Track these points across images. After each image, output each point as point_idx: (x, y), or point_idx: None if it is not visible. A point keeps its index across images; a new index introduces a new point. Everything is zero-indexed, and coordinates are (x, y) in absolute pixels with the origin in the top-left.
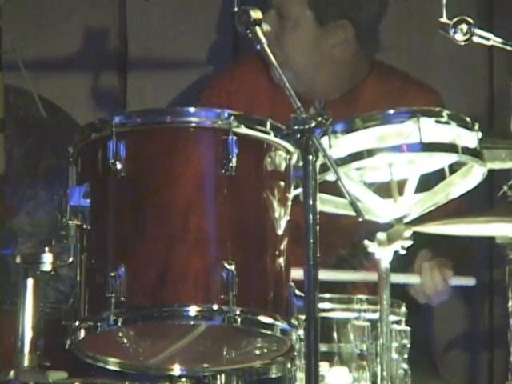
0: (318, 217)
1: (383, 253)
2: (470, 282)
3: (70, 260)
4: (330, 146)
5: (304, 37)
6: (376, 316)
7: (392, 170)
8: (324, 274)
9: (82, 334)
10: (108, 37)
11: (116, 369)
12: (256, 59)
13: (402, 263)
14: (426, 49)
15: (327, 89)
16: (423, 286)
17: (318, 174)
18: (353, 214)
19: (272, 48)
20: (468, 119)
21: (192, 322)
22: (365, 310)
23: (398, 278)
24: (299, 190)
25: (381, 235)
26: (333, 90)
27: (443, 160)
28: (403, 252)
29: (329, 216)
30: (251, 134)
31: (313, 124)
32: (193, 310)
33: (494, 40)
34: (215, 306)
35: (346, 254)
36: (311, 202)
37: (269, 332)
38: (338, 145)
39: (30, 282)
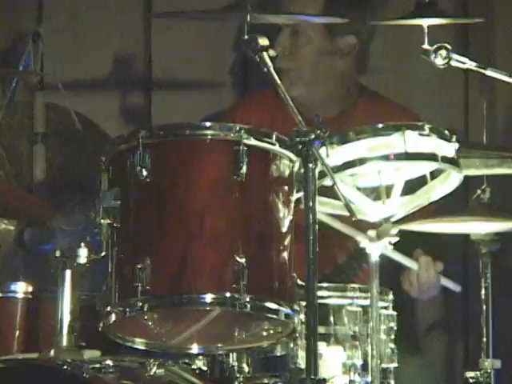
0: (317, 217)
1: (373, 247)
2: (456, 287)
3: (103, 254)
4: (327, 156)
5: (316, 49)
6: (367, 302)
7: (381, 176)
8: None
9: (113, 317)
10: (135, 61)
11: (142, 348)
12: None
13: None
14: (409, 71)
15: (328, 104)
16: (419, 274)
17: (316, 180)
18: (347, 214)
19: (287, 62)
20: (447, 132)
21: (208, 308)
22: (357, 297)
23: (400, 258)
24: (301, 194)
25: (371, 232)
26: (331, 106)
27: (425, 167)
28: (391, 247)
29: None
30: (259, 145)
31: (312, 136)
32: (208, 298)
33: (469, 64)
34: (228, 294)
35: (341, 264)
36: (311, 204)
37: (274, 316)
38: (334, 154)
39: (68, 273)
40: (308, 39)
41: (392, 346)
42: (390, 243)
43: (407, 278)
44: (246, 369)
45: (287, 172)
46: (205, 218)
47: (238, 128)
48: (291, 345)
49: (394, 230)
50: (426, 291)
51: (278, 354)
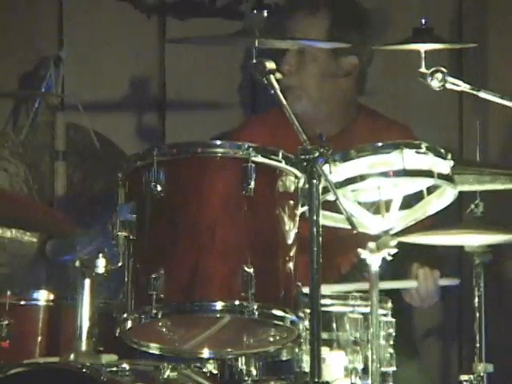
0: (320, 230)
1: (373, 258)
2: (454, 282)
3: (120, 264)
4: (330, 172)
5: (321, 68)
6: (367, 310)
7: (380, 191)
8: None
9: (129, 324)
10: (150, 84)
11: (156, 352)
12: None
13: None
14: (408, 93)
15: (330, 121)
16: (419, 287)
17: (320, 195)
18: (349, 227)
19: (293, 80)
20: (442, 150)
21: (218, 315)
22: (358, 305)
23: (398, 285)
24: (305, 208)
25: (371, 244)
26: (333, 123)
27: (422, 183)
28: (390, 258)
29: (329, 234)
30: (266, 162)
31: (316, 154)
32: (219, 305)
33: (464, 86)
34: (237, 302)
35: (344, 274)
36: (315, 218)
37: (280, 323)
38: (337, 171)
39: (87, 282)
40: (313, 58)
41: (391, 350)
42: (389, 254)
43: (408, 293)
44: (254, 372)
45: (293, 187)
46: (215, 231)
47: (246, 146)
48: (296, 350)
49: (393, 242)
50: (427, 300)
51: (284, 359)
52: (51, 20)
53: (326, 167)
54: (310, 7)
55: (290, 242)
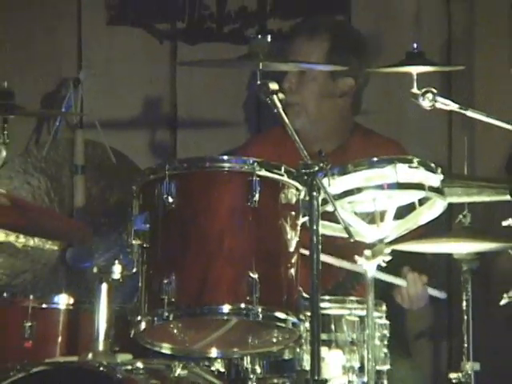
0: (320, 238)
1: (369, 265)
2: (442, 295)
3: (134, 270)
4: (329, 185)
5: (319, 87)
6: (363, 313)
7: (375, 202)
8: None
9: (143, 326)
10: (162, 103)
11: (168, 352)
12: None
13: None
14: (401, 112)
15: (328, 138)
16: (408, 289)
17: (320, 206)
18: (346, 236)
19: (293, 97)
20: (433, 165)
21: (225, 317)
22: (355, 308)
23: (390, 279)
24: (306, 218)
25: (367, 252)
26: (331, 140)
27: (414, 195)
28: (384, 265)
29: (328, 242)
30: (270, 176)
31: (316, 168)
32: (226, 308)
33: (453, 105)
34: (243, 305)
35: (341, 280)
36: (315, 227)
37: (283, 325)
38: (335, 184)
39: (104, 286)
40: (313, 77)
41: (385, 350)
42: (383, 261)
43: (398, 293)
44: (259, 370)
45: (294, 199)
46: (223, 240)
47: (251, 161)
48: (297, 349)
49: (387, 250)
50: (416, 302)
51: (286, 358)
52: (71, 45)
53: (325, 180)
54: (310, 33)
55: (291, 249)
